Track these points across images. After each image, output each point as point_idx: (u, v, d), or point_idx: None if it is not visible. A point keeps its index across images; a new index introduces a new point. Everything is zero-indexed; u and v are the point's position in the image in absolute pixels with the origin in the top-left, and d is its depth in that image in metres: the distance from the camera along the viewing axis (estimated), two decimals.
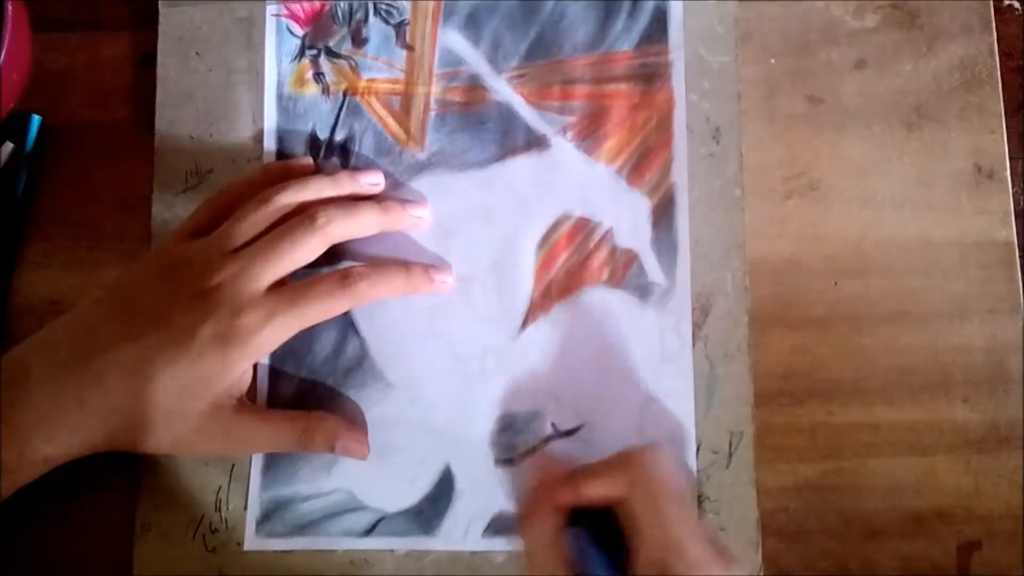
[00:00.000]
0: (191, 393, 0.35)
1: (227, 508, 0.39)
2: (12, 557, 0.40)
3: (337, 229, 0.37)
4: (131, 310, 0.35)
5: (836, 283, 0.41)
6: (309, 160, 0.41)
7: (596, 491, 0.34)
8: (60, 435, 0.34)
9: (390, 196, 0.40)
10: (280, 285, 0.36)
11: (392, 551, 0.39)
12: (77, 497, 0.40)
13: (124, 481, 0.40)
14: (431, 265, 0.40)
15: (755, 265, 0.41)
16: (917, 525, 0.40)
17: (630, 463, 0.34)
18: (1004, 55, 0.43)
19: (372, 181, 0.40)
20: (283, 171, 0.39)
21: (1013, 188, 0.42)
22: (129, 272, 0.37)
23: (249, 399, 0.38)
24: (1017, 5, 0.44)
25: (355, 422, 0.39)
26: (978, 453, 0.40)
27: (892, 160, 0.42)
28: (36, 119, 0.42)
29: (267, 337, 0.35)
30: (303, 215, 0.36)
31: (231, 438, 0.36)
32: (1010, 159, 0.42)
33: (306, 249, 0.36)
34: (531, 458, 0.38)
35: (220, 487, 0.39)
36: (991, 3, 0.43)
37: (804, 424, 0.40)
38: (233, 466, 0.39)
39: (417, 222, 0.40)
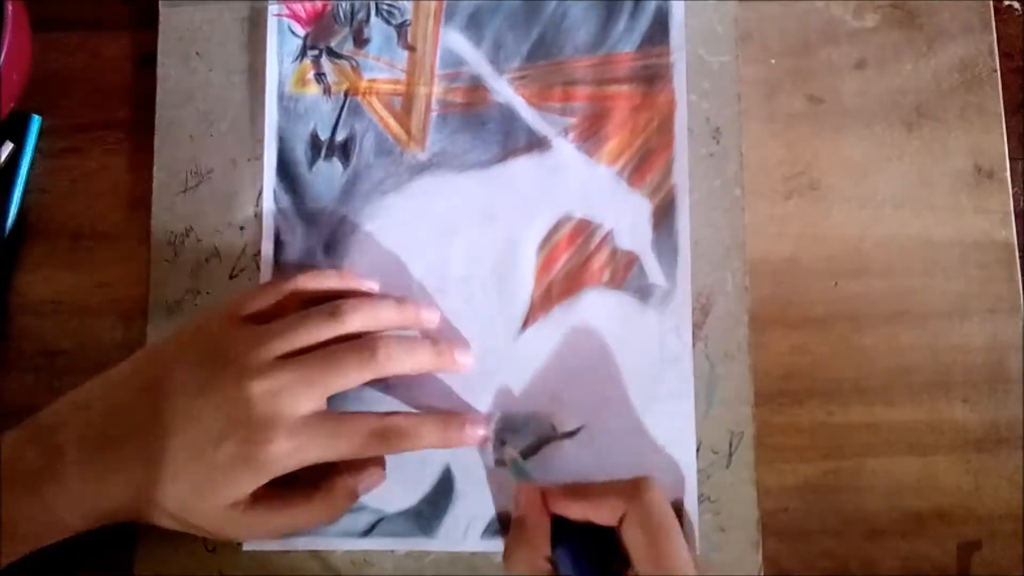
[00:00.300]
0: (206, 495, 0.34)
1: None
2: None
3: (394, 366, 0.36)
4: (164, 392, 0.34)
5: (836, 283, 0.41)
6: (375, 285, 0.40)
7: (584, 514, 0.34)
8: (88, 512, 0.34)
9: (440, 335, 0.40)
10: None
11: (392, 551, 0.39)
12: None
13: None
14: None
15: (755, 265, 0.41)
16: (917, 525, 0.40)
17: (623, 493, 0.34)
18: (1004, 55, 0.43)
19: (430, 318, 0.39)
20: (355, 283, 0.39)
21: (1013, 188, 0.42)
22: (170, 342, 0.36)
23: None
24: (1017, 5, 0.44)
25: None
26: (978, 453, 0.40)
27: (892, 160, 0.42)
28: (36, 119, 0.42)
29: (290, 464, 0.34)
30: (364, 343, 0.35)
31: (251, 531, 0.36)
32: (1010, 159, 0.42)
33: (357, 379, 0.35)
34: (515, 489, 0.37)
35: None
36: (991, 3, 0.43)
37: (804, 424, 0.40)
38: None
39: (463, 368, 0.39)
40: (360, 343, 0.35)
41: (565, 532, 0.34)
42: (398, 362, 0.36)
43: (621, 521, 0.33)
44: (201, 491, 0.34)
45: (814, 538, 0.40)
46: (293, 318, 0.36)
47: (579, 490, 0.35)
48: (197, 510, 0.34)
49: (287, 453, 0.33)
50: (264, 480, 0.34)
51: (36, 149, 0.42)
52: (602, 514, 0.34)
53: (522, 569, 0.34)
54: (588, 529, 0.34)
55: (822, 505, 0.40)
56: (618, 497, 0.34)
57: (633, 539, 0.33)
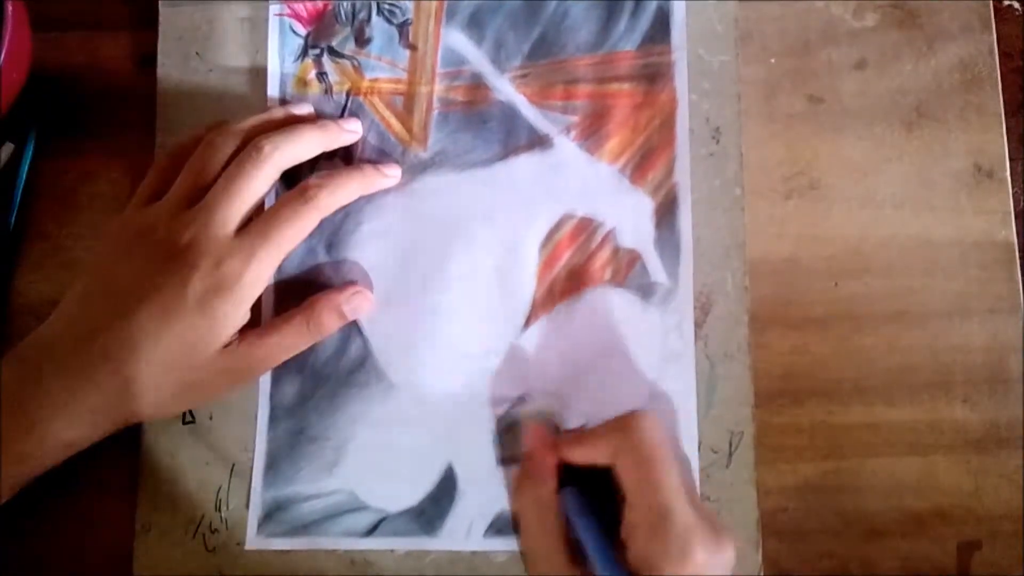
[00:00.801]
0: (198, 348, 0.35)
1: (227, 508, 0.39)
2: (12, 556, 0.39)
3: (283, 155, 0.37)
4: (115, 288, 0.36)
5: (836, 283, 0.41)
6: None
7: (583, 455, 0.35)
8: (79, 419, 0.35)
9: (325, 116, 0.41)
10: (247, 224, 0.37)
11: (393, 551, 0.39)
12: (77, 497, 0.40)
13: (124, 481, 0.40)
14: (380, 163, 0.40)
15: (755, 265, 0.41)
16: (917, 525, 0.40)
17: (619, 428, 0.34)
18: (1004, 55, 0.43)
19: (304, 111, 0.41)
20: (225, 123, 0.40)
21: (1013, 188, 0.42)
22: (99, 253, 0.37)
23: (251, 325, 0.38)
24: (1017, 5, 0.44)
25: (351, 283, 0.40)
26: (978, 453, 0.40)
27: (892, 160, 0.42)
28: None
29: (254, 275, 0.35)
30: (248, 148, 0.37)
31: (248, 368, 0.37)
32: (1010, 159, 0.42)
33: (261, 179, 0.36)
34: (524, 426, 0.38)
35: (220, 487, 0.39)
36: (991, 3, 0.43)
37: (804, 424, 0.40)
38: (233, 465, 0.39)
39: (353, 136, 0.40)
40: (246, 149, 0.37)
41: (572, 478, 0.35)
42: (284, 149, 0.37)
43: (615, 461, 0.33)
44: (193, 343, 0.35)
45: (814, 538, 0.40)
46: (181, 175, 0.37)
47: (580, 434, 0.36)
48: (199, 366, 0.35)
49: (242, 263, 0.35)
50: (243, 303, 0.35)
51: (36, 148, 0.42)
52: (600, 452, 0.34)
53: (529, 503, 0.35)
54: (593, 475, 0.34)
55: (822, 505, 0.40)
56: (611, 432, 0.34)
57: (623, 471, 0.33)
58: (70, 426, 0.35)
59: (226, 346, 0.36)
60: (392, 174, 0.40)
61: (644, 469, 0.33)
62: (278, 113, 0.40)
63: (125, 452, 0.40)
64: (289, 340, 0.38)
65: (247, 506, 0.39)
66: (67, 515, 0.40)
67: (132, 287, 0.35)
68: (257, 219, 0.36)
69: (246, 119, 0.39)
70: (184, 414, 0.40)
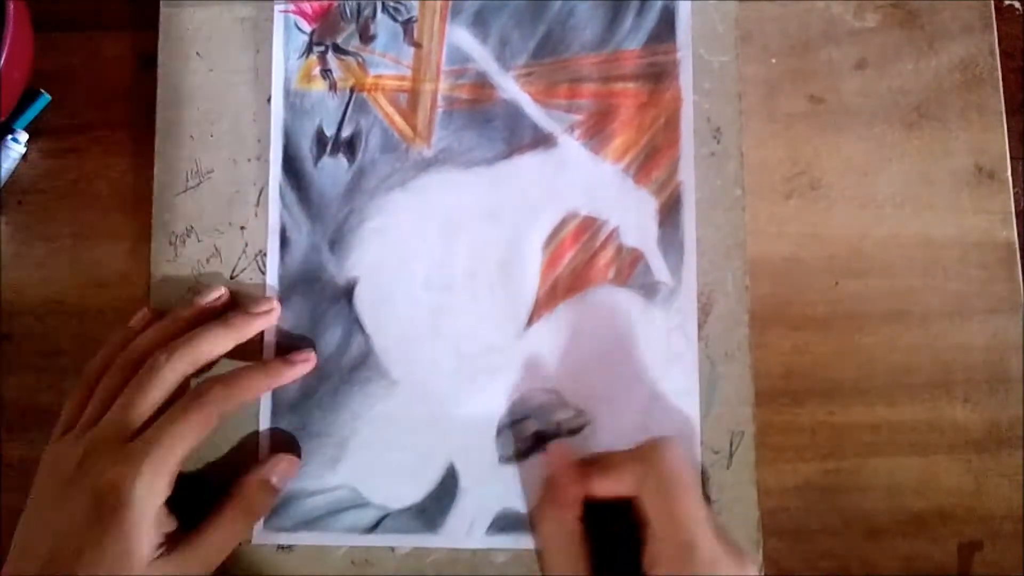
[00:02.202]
0: (125, 568, 0.33)
1: None
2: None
3: (180, 362, 0.35)
4: (37, 535, 0.34)
5: (837, 283, 0.41)
6: (144, 313, 0.39)
7: (607, 488, 0.34)
8: None
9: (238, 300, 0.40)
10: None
11: (393, 550, 0.39)
12: None
13: None
14: (291, 353, 0.39)
15: (756, 265, 0.41)
16: (918, 525, 0.40)
17: (642, 458, 0.33)
18: (1005, 55, 0.43)
19: (208, 299, 0.39)
20: (126, 336, 0.38)
21: (1014, 188, 0.42)
22: (30, 497, 0.35)
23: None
24: (1018, 5, 0.44)
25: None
26: (979, 453, 0.40)
27: (893, 160, 0.42)
28: (46, 98, 0.43)
29: (144, 481, 0.33)
30: (147, 362, 0.35)
31: (203, 564, 0.35)
32: (1011, 159, 0.42)
33: (159, 390, 0.35)
34: (543, 452, 0.37)
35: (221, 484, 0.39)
36: (992, 3, 0.43)
37: (805, 424, 0.40)
38: (234, 463, 0.39)
39: (261, 326, 0.39)
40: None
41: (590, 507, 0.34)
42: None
43: (638, 491, 0.33)
44: (113, 565, 0.32)
45: (815, 538, 0.40)
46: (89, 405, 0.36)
47: (602, 462, 0.34)
48: None
49: (129, 472, 0.33)
50: (143, 514, 0.33)
51: (35, 148, 0.42)
52: (624, 484, 0.33)
53: (553, 530, 0.34)
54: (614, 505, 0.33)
55: (823, 505, 0.40)
56: (635, 463, 0.33)
57: (648, 502, 0.32)
58: None
59: (158, 558, 0.33)
60: (302, 360, 0.39)
61: (669, 501, 0.32)
62: (181, 315, 0.38)
63: None
64: (228, 531, 0.36)
65: None
66: None
67: (44, 528, 0.34)
68: (153, 425, 0.34)
69: (146, 333, 0.37)
70: None
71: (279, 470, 0.38)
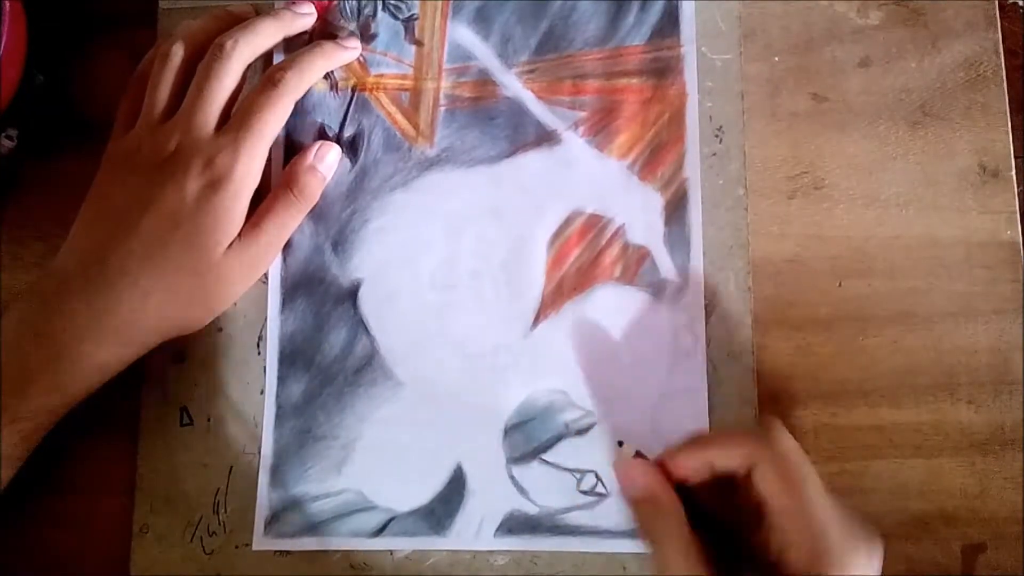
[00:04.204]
0: (207, 248, 0.36)
1: (225, 511, 0.39)
2: (10, 557, 0.39)
3: (245, 48, 0.38)
4: (115, 210, 0.37)
5: (840, 283, 0.41)
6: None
7: (711, 458, 0.32)
8: (106, 338, 0.36)
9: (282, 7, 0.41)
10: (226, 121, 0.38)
11: (391, 553, 0.39)
12: (75, 498, 0.40)
13: (122, 482, 0.39)
14: (340, 39, 0.41)
15: (758, 265, 0.40)
16: (922, 527, 0.39)
17: (757, 435, 0.32)
18: (1009, 53, 0.43)
19: (243, 8, 0.41)
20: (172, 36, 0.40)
21: (1019, 187, 0.41)
22: (93, 187, 0.38)
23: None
24: (1021, 3, 0.44)
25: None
26: (983, 455, 0.40)
27: (896, 159, 0.41)
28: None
29: (244, 166, 0.36)
30: (210, 51, 0.38)
31: (257, 258, 0.38)
32: (1015, 158, 0.41)
33: (229, 76, 0.38)
34: (624, 469, 0.34)
35: (219, 489, 0.39)
36: (996, 1, 0.43)
37: (808, 426, 0.40)
38: (232, 467, 0.39)
39: (308, 19, 0.41)
40: (208, 54, 0.38)
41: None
42: (244, 43, 0.38)
43: (750, 471, 0.31)
44: (203, 242, 0.36)
45: None
46: (147, 94, 0.38)
47: (699, 440, 0.33)
48: (216, 263, 0.36)
49: (231, 154, 0.36)
50: (242, 193, 0.37)
51: (34, 148, 0.42)
52: (730, 460, 0.32)
53: (671, 547, 0.31)
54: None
55: None
56: (747, 441, 0.32)
57: (769, 488, 0.31)
58: (99, 347, 0.35)
59: (233, 245, 0.37)
60: (352, 45, 0.41)
61: (793, 483, 0.31)
62: (219, 13, 0.41)
63: (123, 453, 0.39)
64: (282, 216, 0.39)
65: (250, 508, 0.39)
66: (65, 516, 0.40)
67: (131, 204, 0.36)
68: (235, 114, 0.38)
69: (188, 26, 0.40)
70: (182, 416, 0.39)
71: (320, 154, 0.40)
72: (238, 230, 0.37)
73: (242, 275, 0.38)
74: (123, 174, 0.37)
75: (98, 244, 0.36)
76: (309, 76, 0.39)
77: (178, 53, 0.38)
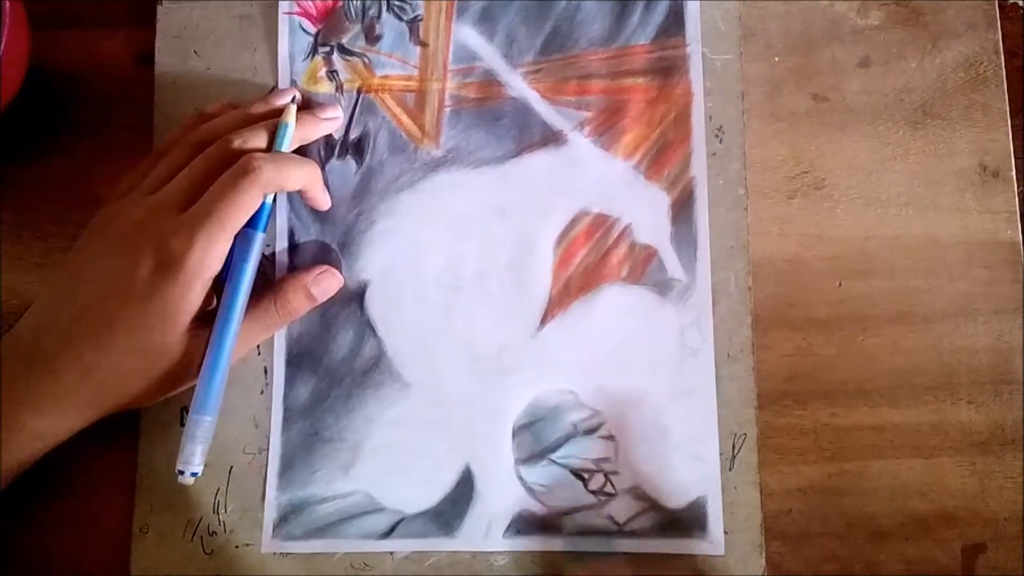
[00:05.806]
0: (156, 333, 0.34)
1: (225, 511, 0.39)
2: (10, 557, 0.39)
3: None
4: (78, 277, 0.36)
5: (840, 283, 0.41)
6: (224, 103, 0.40)
7: None
8: (45, 407, 0.35)
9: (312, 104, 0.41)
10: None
11: (392, 553, 0.39)
12: (75, 498, 0.40)
13: (122, 483, 0.39)
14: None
15: (758, 265, 0.40)
16: (922, 527, 0.39)
17: None
18: (1009, 53, 0.43)
19: (283, 101, 0.40)
20: (201, 120, 0.39)
21: (1019, 187, 0.41)
22: (71, 250, 0.37)
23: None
24: (1021, 3, 0.44)
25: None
26: (983, 455, 0.40)
27: (897, 159, 0.42)
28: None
29: (200, 252, 0.34)
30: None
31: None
32: (1015, 158, 0.41)
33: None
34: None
35: (218, 489, 0.39)
36: (996, 1, 0.43)
37: (808, 426, 0.40)
38: (232, 468, 0.39)
39: (334, 125, 0.41)
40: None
41: None
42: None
43: None
44: (150, 324, 0.34)
45: (818, 541, 0.39)
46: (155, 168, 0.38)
47: None
48: (162, 351, 0.35)
49: (186, 239, 0.34)
50: (195, 280, 0.34)
51: (33, 148, 0.42)
52: None
53: None
54: None
55: (826, 507, 0.39)
56: None
57: None
58: (37, 415, 0.35)
59: (190, 331, 0.35)
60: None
61: None
62: (259, 105, 0.39)
63: (123, 454, 0.39)
64: (258, 324, 0.38)
65: (251, 507, 0.39)
66: (65, 517, 0.40)
67: (89, 274, 0.35)
68: (204, 196, 0.35)
69: (219, 119, 0.38)
70: (181, 415, 0.39)
71: (321, 282, 0.39)
72: (189, 318, 0.35)
73: (200, 361, 0.36)
74: (95, 238, 0.36)
75: (54, 311, 0.35)
76: (285, 176, 0.37)
77: (195, 140, 0.37)
